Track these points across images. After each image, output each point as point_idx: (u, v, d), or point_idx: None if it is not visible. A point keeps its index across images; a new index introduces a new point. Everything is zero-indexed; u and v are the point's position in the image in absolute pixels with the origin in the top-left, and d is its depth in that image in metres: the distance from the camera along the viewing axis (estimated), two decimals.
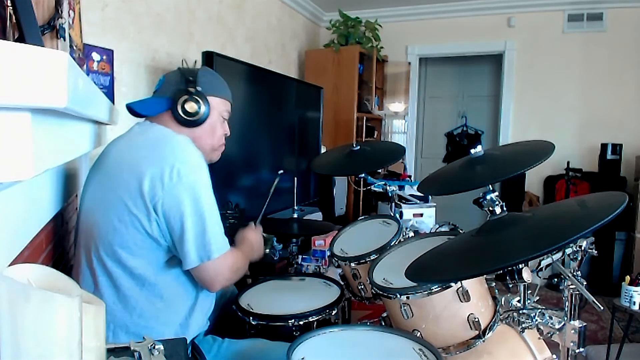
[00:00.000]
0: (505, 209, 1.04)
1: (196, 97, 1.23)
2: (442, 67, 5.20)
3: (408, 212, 3.39)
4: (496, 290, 1.29)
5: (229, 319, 1.47)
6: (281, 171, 1.73)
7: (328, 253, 2.11)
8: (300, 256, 2.40)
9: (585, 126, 4.18)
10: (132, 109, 1.28)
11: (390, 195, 1.92)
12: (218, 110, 1.31)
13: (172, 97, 1.23)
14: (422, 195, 3.43)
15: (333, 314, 1.44)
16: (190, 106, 1.23)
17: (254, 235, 1.45)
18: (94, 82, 1.92)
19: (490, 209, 1.04)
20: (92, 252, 1.13)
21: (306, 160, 3.57)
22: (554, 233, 0.90)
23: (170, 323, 1.18)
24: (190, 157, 1.11)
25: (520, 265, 1.05)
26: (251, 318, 1.38)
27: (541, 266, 1.16)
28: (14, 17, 0.79)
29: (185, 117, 1.23)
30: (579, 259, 1.11)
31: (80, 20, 1.59)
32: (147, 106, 1.28)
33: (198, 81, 1.25)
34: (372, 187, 2.10)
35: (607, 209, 0.84)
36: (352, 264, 1.54)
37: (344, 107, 4.23)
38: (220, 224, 1.16)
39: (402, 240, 1.54)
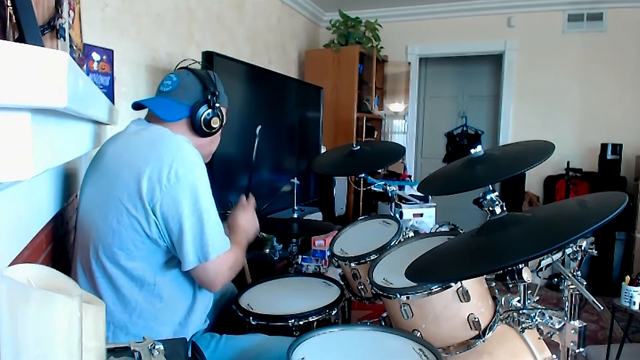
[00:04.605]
0: (505, 209, 1.04)
1: (217, 113, 1.26)
2: (442, 67, 5.20)
3: (408, 212, 3.39)
4: (496, 290, 1.29)
5: (229, 318, 1.47)
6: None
7: (328, 253, 2.11)
8: (300, 256, 2.40)
9: (585, 126, 4.18)
10: (144, 107, 1.27)
11: (390, 195, 1.92)
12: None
13: (194, 106, 1.23)
14: (422, 195, 3.43)
15: (333, 314, 1.44)
16: (214, 121, 1.25)
17: (243, 218, 1.39)
18: (94, 82, 1.92)
19: (490, 209, 1.04)
20: (90, 253, 1.13)
21: (306, 160, 3.57)
22: (554, 233, 0.90)
23: (169, 323, 1.18)
24: (187, 156, 1.11)
25: (520, 265, 1.05)
26: (251, 318, 1.38)
27: (541, 266, 1.16)
28: (14, 17, 0.79)
29: (206, 129, 1.25)
30: (579, 259, 1.11)
31: (80, 20, 1.59)
32: (167, 110, 1.23)
33: (218, 95, 1.26)
34: (372, 187, 2.10)
35: (607, 209, 0.83)
36: (352, 264, 1.54)
37: (344, 107, 4.23)
38: (220, 223, 1.15)
39: (402, 240, 1.53)
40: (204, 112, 1.23)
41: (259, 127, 1.50)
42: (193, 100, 1.23)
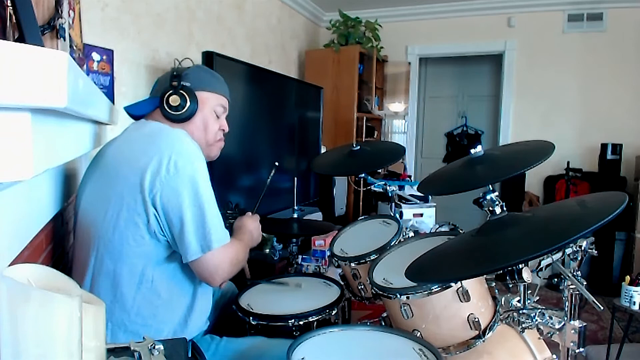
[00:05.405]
0: (505, 209, 1.04)
1: (180, 91, 1.24)
2: (442, 67, 5.20)
3: (408, 212, 3.39)
4: (496, 290, 1.29)
5: (229, 319, 1.47)
6: (277, 163, 1.75)
7: (328, 253, 2.11)
8: (300, 256, 2.40)
9: (585, 126, 4.18)
10: (129, 112, 1.31)
11: (390, 195, 1.92)
12: (210, 105, 1.31)
13: (160, 95, 1.25)
14: (422, 195, 3.43)
15: (333, 314, 1.44)
16: (174, 99, 1.23)
17: (251, 222, 1.43)
18: (94, 82, 1.92)
19: (490, 209, 1.04)
20: (90, 250, 1.13)
21: (306, 160, 3.57)
22: (554, 233, 0.90)
23: (168, 322, 1.18)
24: (186, 148, 1.11)
25: (520, 265, 1.05)
26: (251, 318, 1.38)
27: (541, 266, 1.16)
28: (14, 17, 0.79)
29: (171, 111, 1.24)
30: (579, 259, 1.11)
31: (80, 20, 1.59)
32: (139, 107, 1.30)
33: (184, 77, 1.26)
34: (372, 187, 2.10)
35: (607, 209, 0.83)
36: (352, 264, 1.54)
37: (344, 107, 4.23)
38: (219, 216, 1.16)
39: (402, 240, 1.53)
40: (167, 93, 1.23)
41: (276, 165, 1.73)
42: (161, 91, 1.25)
